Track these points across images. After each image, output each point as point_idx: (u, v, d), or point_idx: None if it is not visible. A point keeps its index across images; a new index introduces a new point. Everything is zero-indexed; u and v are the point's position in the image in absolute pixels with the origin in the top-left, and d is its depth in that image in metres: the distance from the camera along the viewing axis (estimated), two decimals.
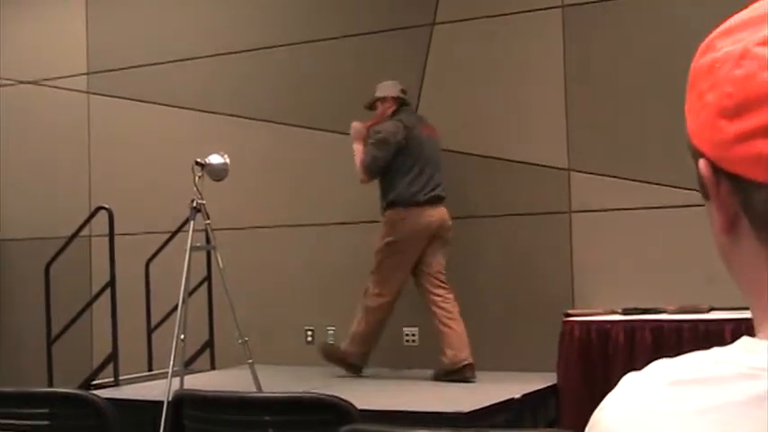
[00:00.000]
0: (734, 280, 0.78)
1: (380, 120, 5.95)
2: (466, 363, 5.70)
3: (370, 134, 5.90)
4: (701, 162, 0.76)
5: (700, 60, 0.78)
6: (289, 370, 6.31)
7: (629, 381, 0.78)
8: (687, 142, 0.78)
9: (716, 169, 0.75)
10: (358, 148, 5.91)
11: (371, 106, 6.03)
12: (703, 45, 0.79)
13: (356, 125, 5.96)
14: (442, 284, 5.85)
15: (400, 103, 6.01)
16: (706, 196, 0.78)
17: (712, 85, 0.75)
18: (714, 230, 0.78)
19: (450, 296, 5.84)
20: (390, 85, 6.02)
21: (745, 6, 0.78)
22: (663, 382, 0.74)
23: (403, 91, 6.05)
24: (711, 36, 0.78)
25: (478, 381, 5.76)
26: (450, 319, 5.78)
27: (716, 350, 0.75)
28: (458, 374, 5.69)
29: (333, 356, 6.09)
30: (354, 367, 6.04)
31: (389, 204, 5.85)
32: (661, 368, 0.77)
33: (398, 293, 5.92)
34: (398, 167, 5.82)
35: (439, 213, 5.86)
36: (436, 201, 5.86)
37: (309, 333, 6.78)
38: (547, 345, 5.59)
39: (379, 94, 6.02)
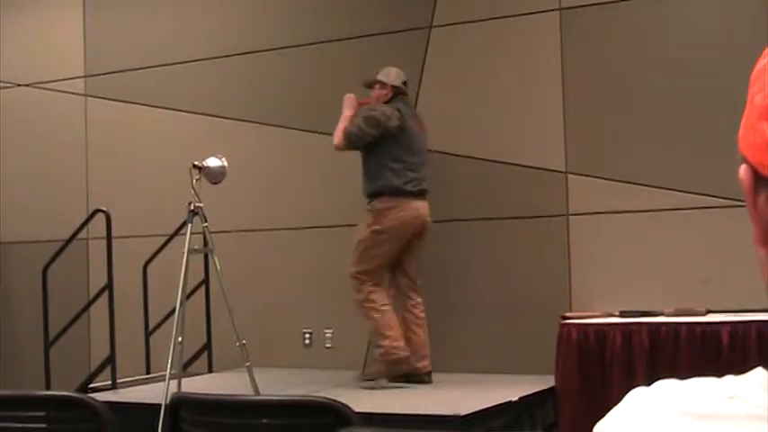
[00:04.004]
0: None
1: (374, 103, 5.90)
2: (425, 371, 5.80)
3: (364, 109, 5.84)
4: (742, 167, 0.73)
5: (758, 64, 0.75)
6: (286, 373, 6.31)
7: (638, 401, 0.75)
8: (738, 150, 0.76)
9: (756, 177, 0.73)
10: (347, 115, 5.85)
11: (370, 85, 5.97)
12: (766, 50, 0.76)
13: (351, 96, 5.90)
14: (416, 289, 5.88)
15: (397, 93, 5.94)
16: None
17: (761, 87, 0.73)
18: (753, 240, 0.75)
19: (420, 301, 5.87)
20: (395, 73, 5.96)
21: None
22: (673, 411, 0.71)
23: (404, 83, 5.99)
24: None
25: (477, 383, 5.77)
26: (417, 325, 5.83)
27: (730, 381, 0.72)
28: (414, 380, 5.75)
29: (381, 371, 5.80)
30: (401, 361, 5.72)
31: (376, 193, 5.78)
32: (671, 393, 0.74)
33: (383, 278, 5.84)
34: (387, 156, 5.77)
35: (424, 207, 5.84)
36: (422, 194, 5.85)
37: (307, 336, 6.78)
38: (544, 347, 5.60)
39: (380, 77, 5.95)
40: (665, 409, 0.72)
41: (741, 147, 0.74)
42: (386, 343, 5.73)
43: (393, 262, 5.85)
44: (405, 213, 5.74)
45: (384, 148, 5.77)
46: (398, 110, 5.83)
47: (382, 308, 5.76)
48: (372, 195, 5.80)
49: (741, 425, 0.68)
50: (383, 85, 5.93)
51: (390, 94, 5.91)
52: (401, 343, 5.74)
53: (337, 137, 5.80)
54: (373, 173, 5.80)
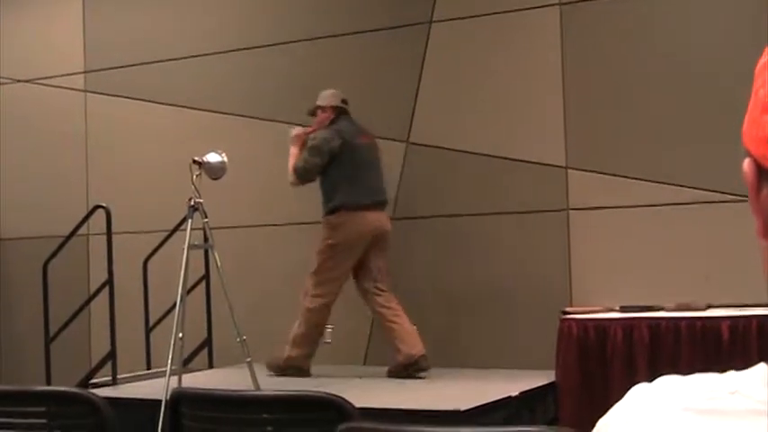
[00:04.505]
0: None
1: (319, 127, 6.10)
2: (420, 355, 5.85)
3: (308, 140, 6.06)
4: (745, 161, 0.73)
5: (762, 58, 0.75)
6: None
7: (639, 397, 0.76)
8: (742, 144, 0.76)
9: (760, 170, 0.73)
10: (293, 152, 6.08)
11: (313, 113, 6.18)
12: None
13: (297, 131, 6.14)
14: (382, 288, 6.01)
15: (339, 112, 6.14)
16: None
17: (765, 81, 0.73)
18: (756, 233, 0.75)
19: (391, 295, 6.01)
20: (331, 94, 6.17)
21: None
22: (675, 406, 0.72)
23: (344, 101, 6.18)
24: None
25: (477, 378, 5.78)
26: (396, 315, 5.94)
27: (732, 377, 0.72)
28: (414, 367, 5.83)
29: (278, 367, 6.08)
30: (301, 370, 6.06)
31: (333, 210, 5.99)
32: (673, 389, 0.74)
33: (336, 296, 6.05)
34: (339, 174, 5.98)
35: (382, 218, 6.05)
36: (379, 205, 6.05)
37: None
38: (545, 342, 5.60)
39: (319, 102, 6.16)
40: (667, 404, 0.72)
41: (745, 140, 0.74)
42: (294, 353, 6.05)
43: (355, 271, 6.03)
44: (359, 227, 5.94)
45: (334, 169, 5.98)
46: (338, 129, 6.03)
47: (313, 323, 6.04)
48: (330, 212, 6.02)
49: (742, 420, 0.68)
50: (323, 108, 6.13)
51: (332, 116, 6.11)
52: (307, 362, 6.09)
53: (290, 175, 6.05)
54: (329, 193, 6.02)
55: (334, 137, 6.00)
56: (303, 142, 6.08)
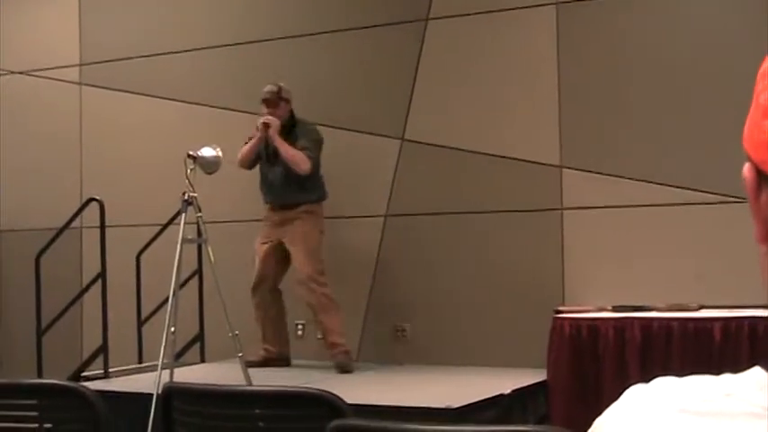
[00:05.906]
0: None
1: (282, 119, 6.15)
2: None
3: (309, 134, 6.16)
4: (746, 166, 0.74)
5: (765, 63, 0.75)
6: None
7: (636, 397, 0.76)
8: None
9: (759, 174, 0.73)
10: (283, 144, 6.07)
11: (273, 103, 6.17)
12: None
13: (274, 120, 6.10)
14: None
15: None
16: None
17: (766, 86, 0.73)
18: (755, 238, 0.75)
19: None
20: (290, 90, 6.27)
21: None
22: (671, 408, 0.72)
23: None
24: None
25: (470, 376, 5.78)
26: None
27: (727, 379, 0.73)
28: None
29: (345, 364, 6.05)
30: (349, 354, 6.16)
31: (317, 199, 6.20)
32: (669, 391, 0.74)
33: None
34: (318, 168, 6.20)
35: None
36: None
37: (300, 327, 6.77)
38: (537, 341, 5.60)
39: (285, 95, 6.23)
40: (663, 406, 0.73)
41: (745, 145, 0.74)
42: (343, 341, 6.10)
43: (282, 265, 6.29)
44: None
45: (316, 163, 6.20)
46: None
47: (336, 306, 6.11)
48: (313, 202, 6.17)
49: (737, 422, 0.68)
50: (288, 102, 6.25)
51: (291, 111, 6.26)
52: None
53: (304, 162, 6.04)
54: (315, 182, 6.19)
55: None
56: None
